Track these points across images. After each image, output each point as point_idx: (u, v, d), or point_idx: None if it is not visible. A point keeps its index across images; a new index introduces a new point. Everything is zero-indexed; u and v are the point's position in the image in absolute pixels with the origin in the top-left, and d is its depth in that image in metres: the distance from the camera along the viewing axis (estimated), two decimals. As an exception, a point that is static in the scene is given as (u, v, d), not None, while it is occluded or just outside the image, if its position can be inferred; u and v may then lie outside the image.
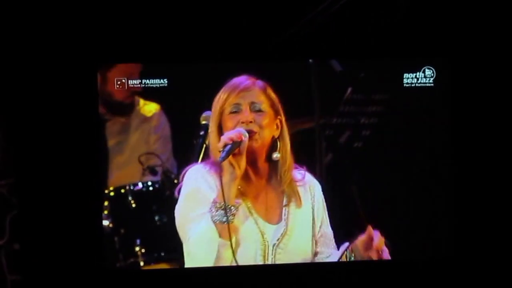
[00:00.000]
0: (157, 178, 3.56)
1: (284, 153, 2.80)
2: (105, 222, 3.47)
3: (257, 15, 3.48)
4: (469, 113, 3.47)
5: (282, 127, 2.81)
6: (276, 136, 2.80)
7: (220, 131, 2.79)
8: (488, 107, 3.47)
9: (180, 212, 2.79)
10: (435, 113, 3.40)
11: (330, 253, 2.88)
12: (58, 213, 3.39)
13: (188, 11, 3.48)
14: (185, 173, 2.81)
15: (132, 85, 3.37)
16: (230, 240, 2.70)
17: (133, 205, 3.52)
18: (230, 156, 2.66)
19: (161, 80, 3.37)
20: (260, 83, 2.82)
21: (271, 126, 2.78)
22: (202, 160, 2.98)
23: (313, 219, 2.86)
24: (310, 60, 3.40)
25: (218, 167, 2.73)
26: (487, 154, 3.47)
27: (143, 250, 3.45)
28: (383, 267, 3.27)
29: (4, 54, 3.43)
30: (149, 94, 3.47)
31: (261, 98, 2.79)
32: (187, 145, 3.19)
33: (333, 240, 2.89)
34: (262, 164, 2.81)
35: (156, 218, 3.48)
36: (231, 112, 2.77)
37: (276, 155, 2.79)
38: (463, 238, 3.43)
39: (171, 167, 3.57)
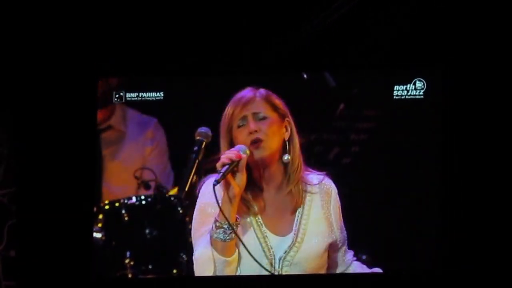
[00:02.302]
0: (150, 192, 3.60)
1: (293, 154, 2.83)
2: (99, 235, 3.50)
3: (252, 30, 3.54)
4: (460, 126, 3.45)
5: (291, 128, 2.85)
6: (286, 139, 2.83)
7: (232, 146, 2.82)
8: (479, 120, 3.46)
9: (193, 226, 2.85)
10: (425, 126, 3.38)
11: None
12: (54, 223, 3.46)
13: (185, 25, 3.55)
14: (201, 186, 2.85)
15: (130, 98, 3.45)
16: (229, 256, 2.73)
17: (126, 219, 3.55)
18: (229, 174, 2.69)
19: (157, 94, 3.44)
20: (262, 91, 2.87)
21: (279, 131, 2.82)
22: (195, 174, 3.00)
23: (332, 225, 2.86)
24: (305, 76, 3.43)
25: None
26: (478, 167, 3.44)
27: (132, 263, 3.47)
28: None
29: (4, 70, 3.55)
30: (146, 107, 3.54)
31: (263, 106, 2.83)
32: (182, 159, 3.23)
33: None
34: (275, 170, 2.84)
35: (147, 231, 3.50)
36: (239, 126, 2.81)
37: (287, 157, 2.82)
38: (455, 252, 3.39)
39: (166, 181, 3.60)
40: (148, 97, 3.45)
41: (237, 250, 2.77)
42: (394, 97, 3.36)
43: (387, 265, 3.15)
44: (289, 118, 2.86)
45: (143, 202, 3.57)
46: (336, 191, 2.90)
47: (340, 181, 2.92)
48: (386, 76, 3.41)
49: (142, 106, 3.54)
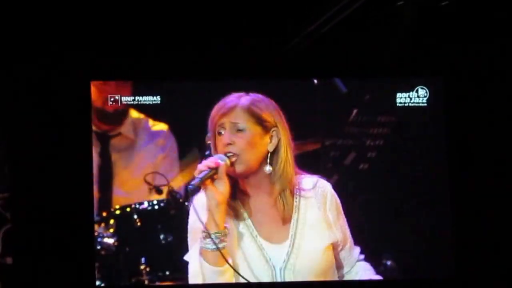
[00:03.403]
0: (163, 197, 3.57)
1: (277, 165, 2.77)
2: (111, 241, 3.47)
3: (258, 32, 3.53)
4: (463, 133, 3.52)
5: (279, 139, 2.78)
6: (270, 150, 2.78)
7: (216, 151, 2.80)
8: (482, 128, 3.53)
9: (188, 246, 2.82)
10: (428, 133, 3.44)
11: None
12: (53, 229, 3.43)
13: (184, 25, 3.53)
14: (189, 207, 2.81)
15: (125, 102, 3.44)
16: (227, 263, 2.69)
17: (138, 224, 3.52)
18: (209, 182, 2.67)
19: (154, 98, 3.42)
20: (245, 100, 2.79)
21: (260, 143, 2.76)
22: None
23: (331, 226, 2.83)
24: (315, 81, 3.44)
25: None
26: (482, 173, 3.52)
27: (147, 269, 3.44)
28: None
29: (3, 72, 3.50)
30: (146, 110, 3.52)
31: (243, 117, 2.76)
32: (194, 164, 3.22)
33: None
34: (260, 178, 2.79)
35: (161, 237, 3.47)
36: (219, 134, 2.78)
37: (268, 169, 2.77)
38: (464, 259, 3.45)
39: (177, 187, 3.57)
40: (145, 101, 3.43)
41: (231, 259, 2.72)
42: (397, 104, 3.41)
43: (403, 271, 3.20)
44: (278, 128, 2.78)
45: (156, 207, 3.54)
46: (332, 191, 2.85)
47: (356, 187, 2.94)
48: (389, 84, 3.45)
49: (152, 113, 3.53)
